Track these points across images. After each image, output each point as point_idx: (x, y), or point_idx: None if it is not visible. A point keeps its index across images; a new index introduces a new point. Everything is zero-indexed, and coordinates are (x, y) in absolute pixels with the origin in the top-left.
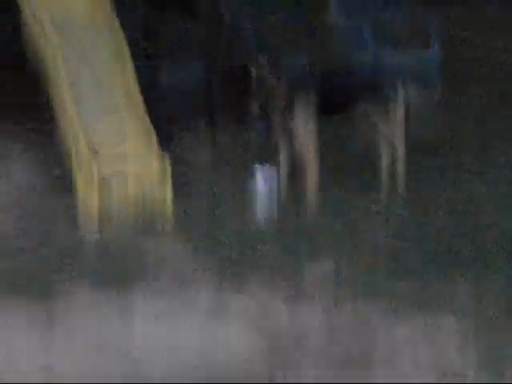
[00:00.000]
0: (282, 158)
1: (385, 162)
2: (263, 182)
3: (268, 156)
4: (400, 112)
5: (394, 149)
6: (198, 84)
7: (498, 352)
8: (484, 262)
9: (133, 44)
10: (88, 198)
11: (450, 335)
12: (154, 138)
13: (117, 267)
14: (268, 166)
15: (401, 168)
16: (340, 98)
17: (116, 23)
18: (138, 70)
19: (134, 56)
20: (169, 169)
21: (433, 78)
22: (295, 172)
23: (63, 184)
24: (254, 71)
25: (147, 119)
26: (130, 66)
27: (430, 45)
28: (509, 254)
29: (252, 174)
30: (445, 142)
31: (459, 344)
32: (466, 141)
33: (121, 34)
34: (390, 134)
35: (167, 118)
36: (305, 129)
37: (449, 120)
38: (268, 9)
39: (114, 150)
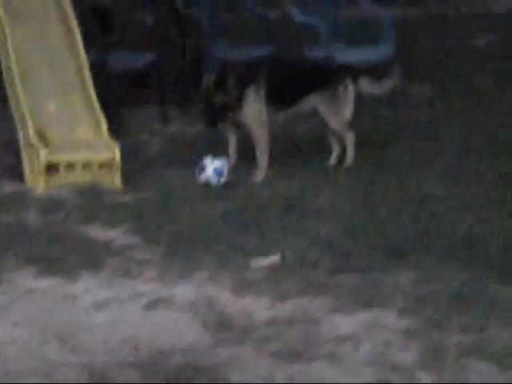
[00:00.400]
0: (232, 149)
1: (335, 154)
2: (214, 173)
3: (219, 148)
4: (349, 103)
5: (342, 140)
6: (149, 73)
7: None
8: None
9: (84, 31)
10: (35, 185)
11: None
12: (105, 126)
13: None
14: (219, 157)
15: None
16: (292, 89)
17: (69, 9)
18: (90, 56)
19: (86, 43)
20: (118, 158)
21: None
22: (245, 163)
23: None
24: (207, 63)
25: (98, 106)
26: (81, 49)
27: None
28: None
29: (203, 166)
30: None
31: None
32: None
33: (72, 17)
34: (339, 124)
35: (117, 105)
36: (256, 120)
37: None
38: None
39: (63, 136)
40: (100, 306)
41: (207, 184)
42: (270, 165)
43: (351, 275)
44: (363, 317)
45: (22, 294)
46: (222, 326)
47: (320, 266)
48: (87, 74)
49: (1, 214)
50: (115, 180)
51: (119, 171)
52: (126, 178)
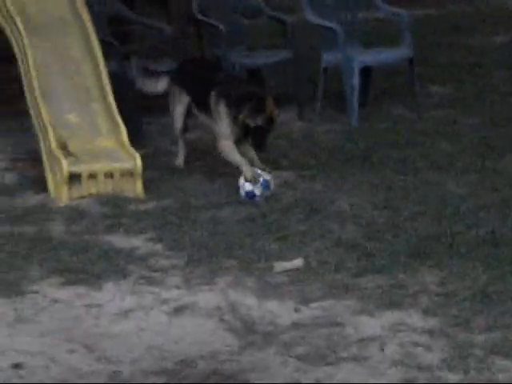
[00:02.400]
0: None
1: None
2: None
3: None
4: None
5: None
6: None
7: None
8: None
9: (103, 41)
10: (58, 195)
11: None
12: (125, 135)
13: (84, 263)
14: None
15: None
16: None
17: (87, 20)
18: (109, 66)
19: (105, 53)
20: (140, 166)
21: None
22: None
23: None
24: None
25: (118, 115)
26: (100, 60)
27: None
28: None
29: (253, 193)
30: None
31: None
32: None
33: (91, 28)
34: None
35: (137, 114)
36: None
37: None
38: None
39: (84, 146)
40: (125, 314)
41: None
42: (291, 168)
43: (375, 277)
44: (388, 318)
45: (47, 305)
46: (247, 331)
47: (343, 268)
48: (107, 84)
49: (25, 225)
50: (137, 189)
51: (141, 180)
52: (148, 186)
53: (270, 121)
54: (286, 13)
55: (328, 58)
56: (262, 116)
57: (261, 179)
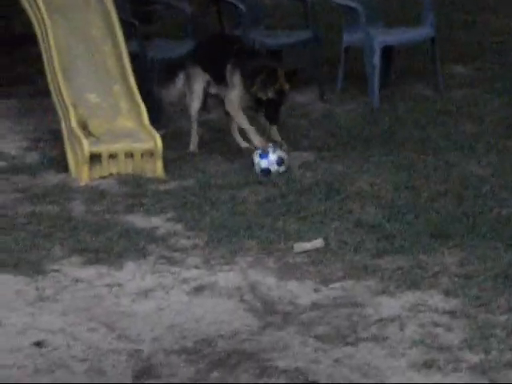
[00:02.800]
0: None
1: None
2: (276, 162)
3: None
4: None
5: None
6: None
7: None
8: None
9: (124, 21)
10: (79, 175)
11: None
12: (145, 115)
13: (105, 243)
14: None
15: None
16: None
17: (108, 1)
18: (130, 46)
19: (125, 34)
20: (160, 146)
21: None
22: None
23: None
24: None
25: (138, 95)
26: (121, 40)
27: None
28: None
29: (265, 154)
30: None
31: None
32: None
33: (112, 8)
34: None
35: (157, 94)
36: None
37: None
38: None
39: (105, 126)
40: (145, 293)
41: (263, 171)
42: (311, 148)
43: (395, 257)
44: (408, 298)
45: (68, 284)
46: (267, 311)
47: (363, 248)
48: (127, 64)
49: (46, 204)
50: (157, 169)
51: (161, 160)
52: (168, 166)
53: (281, 94)
54: None
55: (349, 37)
56: (271, 89)
57: (270, 144)
